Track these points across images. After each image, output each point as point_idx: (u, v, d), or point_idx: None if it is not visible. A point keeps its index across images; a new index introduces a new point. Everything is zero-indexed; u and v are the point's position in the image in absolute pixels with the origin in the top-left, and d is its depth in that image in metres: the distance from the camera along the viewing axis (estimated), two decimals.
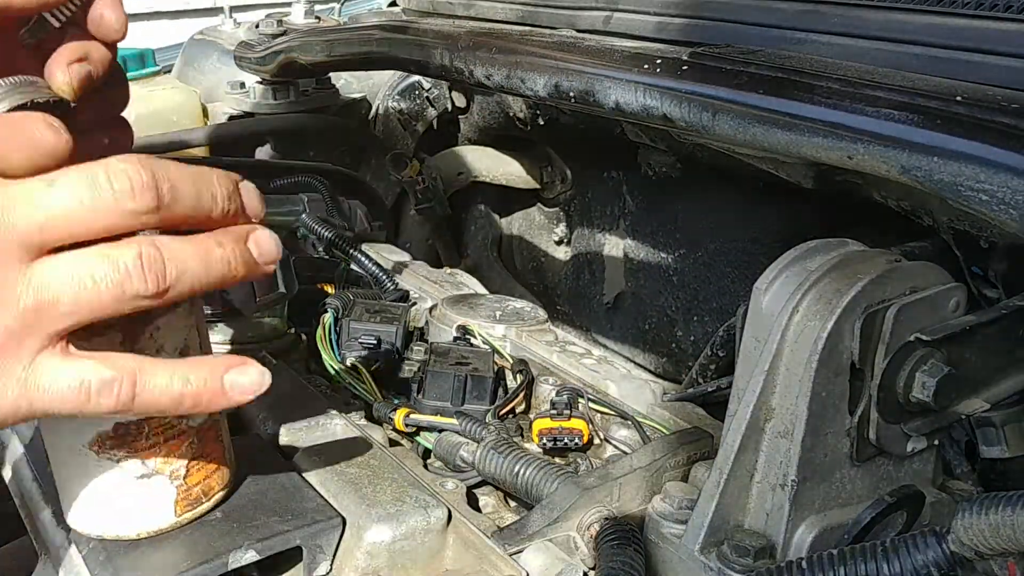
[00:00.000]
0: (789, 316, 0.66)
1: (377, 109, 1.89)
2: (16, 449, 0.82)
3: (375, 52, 1.39)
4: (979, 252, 0.90)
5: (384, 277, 1.22)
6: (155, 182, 0.53)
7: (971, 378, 0.72)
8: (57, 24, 0.62)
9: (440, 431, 0.87)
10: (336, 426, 0.84)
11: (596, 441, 0.91)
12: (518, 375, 0.98)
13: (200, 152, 1.74)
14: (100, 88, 0.64)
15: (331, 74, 1.82)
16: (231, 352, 0.98)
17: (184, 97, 1.89)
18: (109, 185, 0.52)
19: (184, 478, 0.66)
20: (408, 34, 1.33)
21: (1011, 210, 0.69)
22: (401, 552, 0.69)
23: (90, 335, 0.56)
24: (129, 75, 1.80)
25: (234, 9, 2.13)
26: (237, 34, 1.97)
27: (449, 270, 1.43)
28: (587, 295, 1.78)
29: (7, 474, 0.83)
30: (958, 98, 0.77)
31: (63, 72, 0.61)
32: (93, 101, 0.64)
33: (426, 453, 0.88)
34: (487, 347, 1.03)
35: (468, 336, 1.06)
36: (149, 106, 1.82)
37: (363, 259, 1.24)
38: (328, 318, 1.04)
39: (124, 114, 0.71)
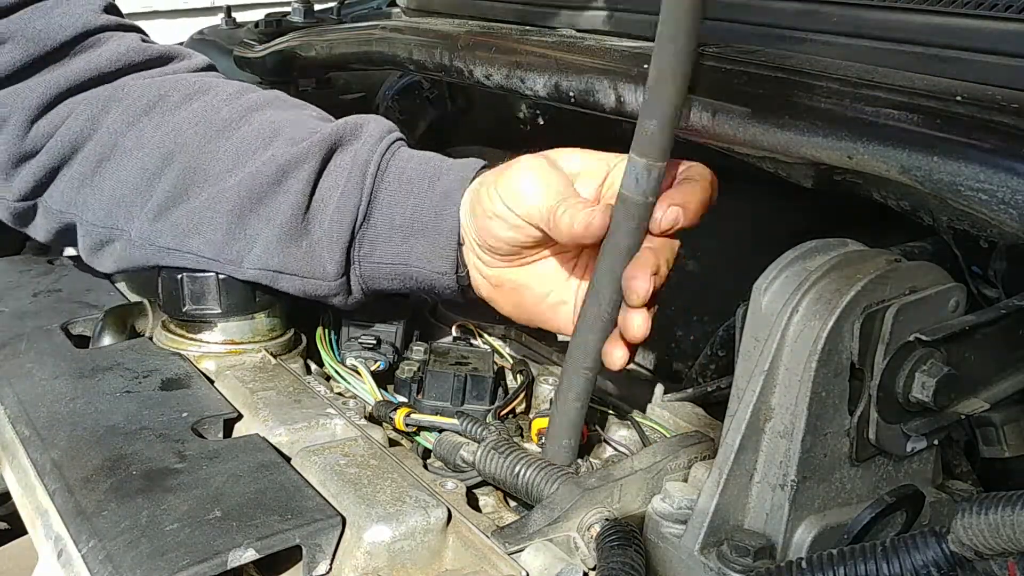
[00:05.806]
0: (789, 316, 0.66)
1: (377, 109, 1.88)
2: (16, 449, 0.82)
3: (375, 52, 1.39)
4: (979, 252, 0.89)
5: None
6: None
7: (971, 378, 0.72)
8: None
9: (440, 431, 0.87)
10: (336, 426, 0.84)
11: (595, 441, 0.91)
12: (518, 375, 0.98)
13: None
14: None
15: (331, 74, 1.81)
16: (231, 352, 0.98)
17: None
18: None
19: None
20: (408, 34, 1.33)
21: (1011, 210, 0.69)
22: (401, 552, 0.69)
23: None
24: None
25: (234, 9, 2.13)
26: (236, 34, 1.96)
27: None
28: None
29: (7, 474, 0.83)
30: (958, 98, 0.77)
31: None
32: None
33: (426, 453, 0.88)
34: (487, 347, 1.03)
35: (468, 336, 1.06)
36: None
37: None
38: (328, 318, 1.04)
39: None
